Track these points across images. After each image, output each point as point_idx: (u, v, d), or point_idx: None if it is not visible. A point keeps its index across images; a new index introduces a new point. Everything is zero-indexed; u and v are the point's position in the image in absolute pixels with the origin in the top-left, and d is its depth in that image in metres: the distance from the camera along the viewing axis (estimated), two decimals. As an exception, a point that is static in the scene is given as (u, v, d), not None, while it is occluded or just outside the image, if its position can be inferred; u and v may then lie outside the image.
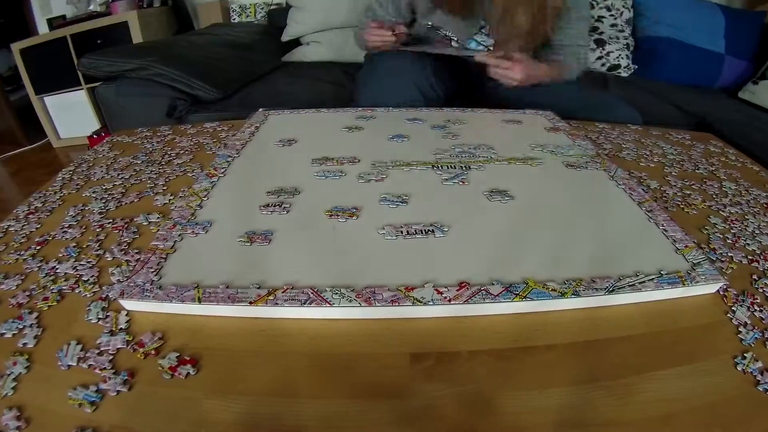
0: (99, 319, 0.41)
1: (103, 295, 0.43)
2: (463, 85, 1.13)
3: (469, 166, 0.65)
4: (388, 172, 0.63)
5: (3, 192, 1.84)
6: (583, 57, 1.07)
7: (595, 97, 1.08)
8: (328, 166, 0.65)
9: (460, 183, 0.61)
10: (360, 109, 0.89)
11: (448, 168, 0.65)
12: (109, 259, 0.48)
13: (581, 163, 0.67)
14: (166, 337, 0.39)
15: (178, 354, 0.37)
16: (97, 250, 0.50)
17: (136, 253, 0.49)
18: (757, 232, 0.56)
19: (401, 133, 0.76)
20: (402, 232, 0.50)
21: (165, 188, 0.63)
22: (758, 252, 0.52)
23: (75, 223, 0.55)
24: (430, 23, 1.05)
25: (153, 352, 0.37)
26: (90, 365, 0.36)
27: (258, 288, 0.42)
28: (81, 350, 0.38)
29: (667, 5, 1.59)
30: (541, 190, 0.60)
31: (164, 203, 0.59)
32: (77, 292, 0.44)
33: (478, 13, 1.00)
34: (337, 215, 0.53)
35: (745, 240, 0.54)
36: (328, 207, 0.54)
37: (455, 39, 1.04)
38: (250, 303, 0.40)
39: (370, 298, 0.41)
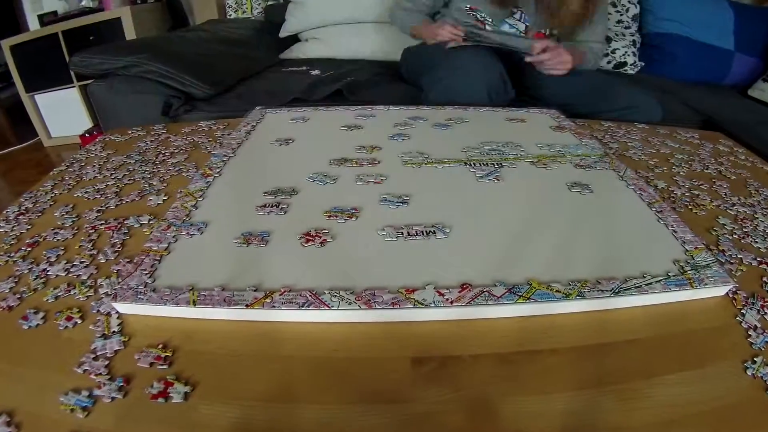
0: (92, 323, 0.40)
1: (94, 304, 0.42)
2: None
3: (501, 164, 0.65)
4: (404, 170, 0.63)
5: (-8, 192, 1.82)
6: (599, 54, 1.17)
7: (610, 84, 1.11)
8: (346, 167, 0.63)
9: (495, 180, 0.61)
10: (359, 107, 0.88)
11: (480, 165, 0.64)
12: (102, 260, 0.47)
13: (590, 163, 0.66)
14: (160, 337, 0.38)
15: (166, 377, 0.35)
16: (91, 250, 0.49)
17: (128, 262, 0.46)
18: (768, 232, 0.55)
19: (402, 132, 0.75)
20: (402, 233, 0.49)
21: (159, 188, 0.61)
22: (769, 253, 0.51)
23: (67, 224, 0.53)
24: (468, 5, 1.10)
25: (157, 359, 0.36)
26: (85, 370, 0.35)
27: (255, 290, 0.41)
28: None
29: (674, 1, 1.55)
30: (549, 190, 0.59)
31: (158, 204, 0.57)
32: (72, 293, 0.43)
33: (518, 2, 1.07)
34: (336, 216, 0.52)
35: (755, 241, 0.53)
36: (327, 208, 0.53)
37: (490, 21, 1.10)
38: (247, 306, 0.39)
39: (370, 300, 0.40)
